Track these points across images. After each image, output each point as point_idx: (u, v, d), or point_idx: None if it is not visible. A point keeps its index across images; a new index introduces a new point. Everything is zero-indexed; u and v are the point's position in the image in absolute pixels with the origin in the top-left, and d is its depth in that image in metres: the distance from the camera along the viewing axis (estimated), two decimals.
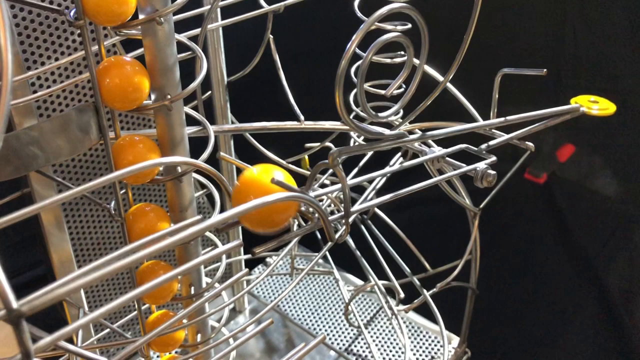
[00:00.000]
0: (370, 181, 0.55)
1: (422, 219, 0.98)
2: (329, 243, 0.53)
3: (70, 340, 0.40)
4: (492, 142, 0.39)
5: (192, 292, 0.38)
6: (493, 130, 0.44)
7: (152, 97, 0.31)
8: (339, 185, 0.29)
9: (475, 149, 0.37)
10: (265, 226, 0.25)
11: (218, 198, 0.35)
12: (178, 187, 0.33)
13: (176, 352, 0.44)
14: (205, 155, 0.32)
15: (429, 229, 0.96)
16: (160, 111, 0.31)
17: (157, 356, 0.43)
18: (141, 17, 0.28)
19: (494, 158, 0.37)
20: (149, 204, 0.34)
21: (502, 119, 0.41)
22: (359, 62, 0.52)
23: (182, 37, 0.33)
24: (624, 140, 1.03)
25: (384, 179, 0.57)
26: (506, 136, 0.41)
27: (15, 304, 0.17)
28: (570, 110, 0.43)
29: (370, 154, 0.60)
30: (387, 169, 0.34)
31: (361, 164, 0.62)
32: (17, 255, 0.80)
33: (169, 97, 0.30)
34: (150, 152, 0.31)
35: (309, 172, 0.64)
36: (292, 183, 0.25)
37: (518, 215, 1.05)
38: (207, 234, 0.41)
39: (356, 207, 0.29)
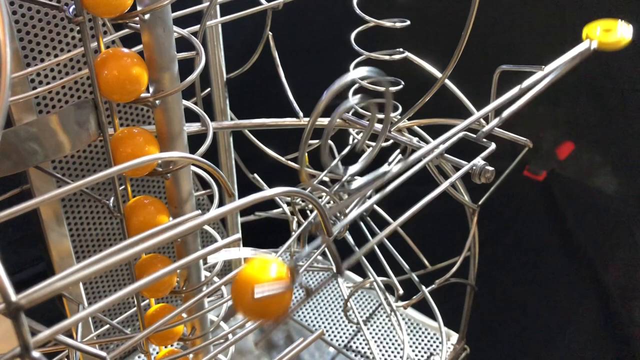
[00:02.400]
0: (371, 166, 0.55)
1: (421, 215, 0.98)
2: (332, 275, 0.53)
3: (70, 336, 0.40)
4: (495, 121, 0.37)
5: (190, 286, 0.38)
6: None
7: (151, 90, 0.31)
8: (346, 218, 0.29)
9: (474, 135, 0.37)
10: (260, 315, 0.25)
11: (217, 193, 0.35)
12: (176, 180, 0.33)
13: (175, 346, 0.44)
14: (203, 149, 0.32)
15: (428, 225, 0.96)
16: (158, 105, 0.31)
17: (157, 352, 0.43)
18: (139, 9, 0.28)
19: (492, 146, 0.37)
20: (147, 196, 0.34)
21: (517, 88, 0.37)
22: (359, 58, 0.52)
23: (180, 30, 0.33)
24: (623, 137, 1.03)
25: (383, 174, 0.56)
26: (511, 109, 0.38)
27: (14, 297, 0.17)
28: (580, 52, 0.37)
29: (368, 151, 0.60)
30: (378, 196, 0.33)
31: (360, 160, 0.62)
32: (17, 253, 0.80)
33: (162, 91, 0.30)
34: (149, 145, 0.32)
35: (308, 169, 0.64)
36: (284, 273, 0.24)
37: (517, 213, 1.05)
38: (207, 228, 0.42)
39: (347, 263, 0.29)
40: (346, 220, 0.29)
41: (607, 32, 0.36)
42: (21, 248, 0.80)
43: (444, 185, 0.34)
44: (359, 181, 0.30)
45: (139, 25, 0.30)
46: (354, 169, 0.30)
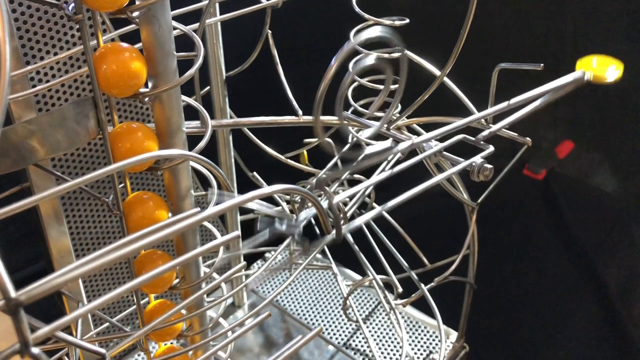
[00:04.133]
0: (367, 173, 0.55)
1: (420, 213, 0.98)
2: (327, 237, 0.53)
3: (70, 334, 0.40)
4: (494, 128, 0.38)
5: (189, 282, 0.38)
6: (491, 125, 0.44)
7: (150, 85, 0.31)
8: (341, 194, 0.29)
9: (473, 139, 0.37)
10: None
11: (216, 191, 0.35)
12: (175, 176, 0.34)
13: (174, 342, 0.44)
14: (201, 145, 0.32)
15: (427, 223, 0.96)
16: (156, 99, 0.31)
17: (155, 349, 0.43)
18: (138, 2, 0.28)
19: (491, 148, 0.37)
20: (146, 192, 0.34)
21: (505, 103, 0.40)
22: (358, 57, 0.52)
23: (179, 25, 0.33)
24: (622, 136, 1.03)
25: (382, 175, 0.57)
26: (506, 120, 0.40)
27: (13, 293, 0.17)
28: (575, 80, 0.40)
29: (368, 149, 0.60)
30: (379, 177, 0.33)
31: (359, 159, 0.62)
32: (17, 251, 0.80)
33: (160, 87, 0.30)
34: (148, 140, 0.32)
35: (307, 167, 0.64)
36: None
37: (517, 211, 1.05)
38: (207, 225, 0.42)
39: (347, 226, 0.29)
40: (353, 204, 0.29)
41: (600, 67, 0.40)
42: (21, 247, 0.80)
43: (440, 176, 0.34)
44: (370, 148, 0.30)
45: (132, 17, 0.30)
46: (367, 133, 0.30)
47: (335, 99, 0.26)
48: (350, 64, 0.52)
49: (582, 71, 0.39)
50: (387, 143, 0.32)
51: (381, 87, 0.52)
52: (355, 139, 0.64)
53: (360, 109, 0.53)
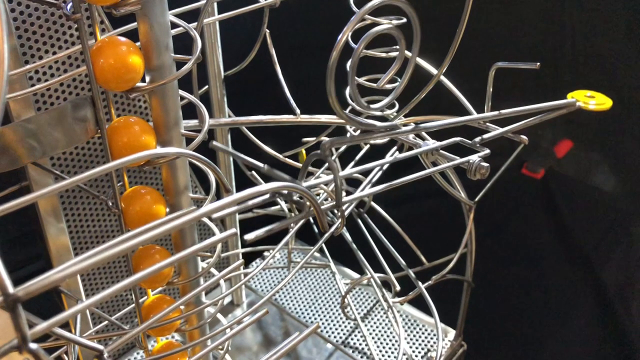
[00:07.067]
0: (366, 174, 0.55)
1: (419, 212, 0.98)
2: (325, 235, 0.54)
3: (69, 332, 0.40)
4: (486, 135, 0.40)
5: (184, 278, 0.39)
6: (487, 124, 0.44)
7: (147, 79, 0.31)
8: (332, 176, 0.29)
9: (469, 141, 0.38)
10: None
11: (214, 188, 0.35)
12: (173, 172, 0.34)
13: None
14: (198, 139, 0.32)
15: (425, 222, 0.96)
16: (153, 94, 0.31)
17: (154, 345, 0.44)
18: None
19: (487, 151, 0.38)
20: (144, 186, 0.35)
21: (497, 112, 0.42)
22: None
23: (177, 20, 0.33)
24: (621, 136, 1.04)
25: (380, 172, 0.57)
26: (501, 129, 0.42)
27: (11, 289, 0.17)
28: (566, 105, 0.43)
29: (366, 148, 0.61)
30: (381, 161, 0.34)
31: (357, 157, 0.62)
32: (16, 250, 0.80)
33: (157, 81, 0.31)
34: (145, 134, 0.32)
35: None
36: None
37: (515, 210, 1.05)
38: (207, 221, 0.42)
39: (348, 197, 0.30)
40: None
41: (591, 98, 0.44)
42: (20, 245, 0.80)
43: (432, 170, 0.34)
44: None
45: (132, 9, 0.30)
46: (381, 104, 0.31)
47: (348, 70, 0.27)
48: (347, 64, 0.52)
49: (574, 100, 0.43)
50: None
51: (374, 84, 0.52)
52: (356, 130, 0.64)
53: (357, 107, 0.53)
